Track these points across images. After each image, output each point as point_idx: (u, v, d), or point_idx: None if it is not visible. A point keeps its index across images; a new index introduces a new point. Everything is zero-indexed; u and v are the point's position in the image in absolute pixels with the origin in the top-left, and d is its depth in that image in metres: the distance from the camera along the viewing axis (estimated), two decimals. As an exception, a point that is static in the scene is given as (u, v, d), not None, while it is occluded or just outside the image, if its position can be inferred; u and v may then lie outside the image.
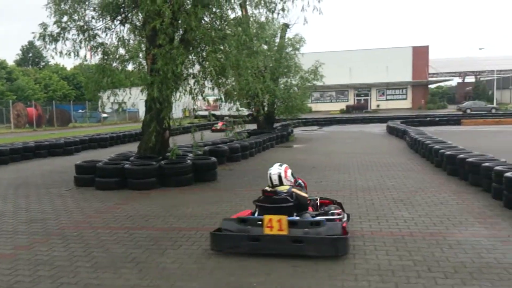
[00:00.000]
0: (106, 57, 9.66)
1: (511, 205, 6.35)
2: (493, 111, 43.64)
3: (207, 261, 4.64)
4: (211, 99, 11.33)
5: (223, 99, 9.96)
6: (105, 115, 41.64)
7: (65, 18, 9.48)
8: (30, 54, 70.89)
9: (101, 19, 9.86)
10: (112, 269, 4.48)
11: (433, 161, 11.17)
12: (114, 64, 9.54)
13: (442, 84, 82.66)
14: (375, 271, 4.25)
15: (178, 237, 5.53)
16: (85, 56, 10.08)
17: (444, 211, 6.42)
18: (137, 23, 9.81)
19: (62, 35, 9.66)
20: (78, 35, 9.79)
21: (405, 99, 61.33)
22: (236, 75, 9.75)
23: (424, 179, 9.26)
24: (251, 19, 10.68)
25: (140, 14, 8.95)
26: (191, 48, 9.38)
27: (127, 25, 9.97)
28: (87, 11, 9.77)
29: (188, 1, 8.91)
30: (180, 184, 9.04)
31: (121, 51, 9.56)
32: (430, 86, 68.61)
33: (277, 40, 19.52)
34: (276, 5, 10.15)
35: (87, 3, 9.63)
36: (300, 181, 5.60)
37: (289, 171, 5.37)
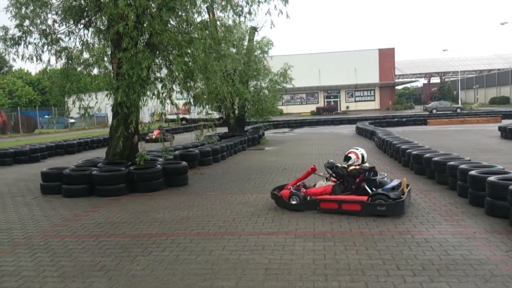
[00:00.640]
0: (70, 62, 9.44)
1: (476, 202, 6.52)
2: (458, 111, 44.80)
3: (179, 267, 4.59)
4: (180, 103, 11.22)
5: (192, 102, 9.89)
6: (72, 120, 40.60)
7: (27, 22, 9.24)
8: (-9, 59, 68.50)
9: (64, 23, 9.63)
10: (80, 278, 4.38)
11: (400, 160, 11.40)
12: (79, 69, 9.32)
13: (408, 85, 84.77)
14: (345, 270, 4.30)
15: (149, 243, 5.46)
16: (48, 61, 9.82)
17: (411, 209, 6.56)
18: (101, 27, 9.62)
19: (24, 38, 9.41)
20: (41, 39, 9.55)
21: (373, 100, 62.59)
22: (204, 79, 9.69)
23: (392, 179, 9.41)
24: (218, 22, 10.65)
25: (104, 18, 8.79)
26: (157, 52, 9.28)
27: (91, 29, 9.77)
28: (49, 15, 9.53)
29: (153, 5, 8.81)
30: (150, 189, 8.92)
31: (86, 55, 9.36)
32: (397, 87, 70.22)
33: (246, 43, 19.58)
34: (243, 8, 10.20)
35: (49, 6, 9.39)
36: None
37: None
